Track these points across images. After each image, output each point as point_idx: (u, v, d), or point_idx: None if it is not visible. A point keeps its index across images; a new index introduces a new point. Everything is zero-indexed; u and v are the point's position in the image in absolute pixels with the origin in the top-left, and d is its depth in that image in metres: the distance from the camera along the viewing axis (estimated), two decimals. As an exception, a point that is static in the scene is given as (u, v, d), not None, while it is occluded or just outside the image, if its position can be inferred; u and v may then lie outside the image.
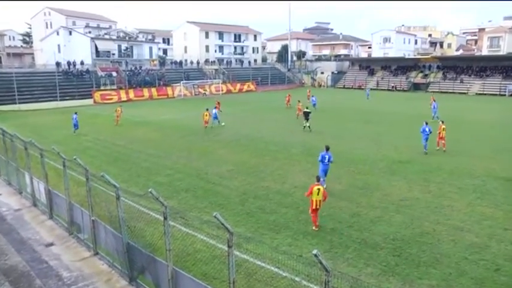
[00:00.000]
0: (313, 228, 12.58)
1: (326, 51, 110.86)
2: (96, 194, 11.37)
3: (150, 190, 8.18)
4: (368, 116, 38.41)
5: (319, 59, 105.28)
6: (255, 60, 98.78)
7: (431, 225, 12.74)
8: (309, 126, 30.23)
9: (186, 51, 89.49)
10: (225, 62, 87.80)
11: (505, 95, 62.53)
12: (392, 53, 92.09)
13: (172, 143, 26.14)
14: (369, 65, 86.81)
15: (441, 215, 13.63)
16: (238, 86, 73.63)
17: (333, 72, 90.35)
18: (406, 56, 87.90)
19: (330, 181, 17.20)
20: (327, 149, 16.40)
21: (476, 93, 65.30)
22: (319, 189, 12.46)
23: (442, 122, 23.81)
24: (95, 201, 11.17)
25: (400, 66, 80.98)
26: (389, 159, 21.09)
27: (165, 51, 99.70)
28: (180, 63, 77.52)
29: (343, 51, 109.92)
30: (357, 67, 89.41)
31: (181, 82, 63.52)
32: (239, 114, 39.25)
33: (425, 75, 76.35)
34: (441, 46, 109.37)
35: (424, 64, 78.76)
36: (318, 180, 12.96)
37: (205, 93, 64.52)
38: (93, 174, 11.28)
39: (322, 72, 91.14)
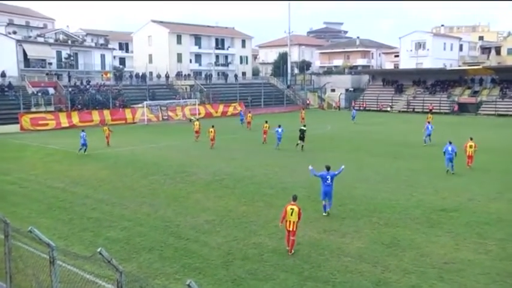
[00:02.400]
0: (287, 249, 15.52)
1: (338, 61, 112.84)
2: (20, 257, 11.11)
3: (99, 250, 8.06)
4: (397, 148, 38.72)
5: (329, 71, 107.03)
6: (244, 74, 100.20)
7: (493, 300, 12.58)
8: (302, 146, 36.87)
9: (151, 61, 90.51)
10: (203, 75, 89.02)
11: None
12: (428, 63, 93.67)
13: (132, 185, 25.96)
14: (396, 80, 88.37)
15: (508, 285, 13.42)
16: (221, 107, 74.42)
17: (347, 90, 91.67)
18: (448, 67, 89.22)
19: (346, 236, 17.11)
20: (328, 168, 19.48)
21: (554, 116, 65.70)
22: (292, 209, 15.19)
23: (471, 138, 29.51)
24: (17, 268, 10.89)
25: (440, 80, 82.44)
26: (428, 206, 21.09)
27: (122, 61, 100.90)
28: (143, 77, 78.28)
29: (360, 61, 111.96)
30: (379, 82, 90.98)
31: (145, 103, 64.07)
32: (222, 146, 39.29)
33: (475, 93, 77.30)
34: (498, 52, 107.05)
35: (472, 77, 79.83)
36: (295, 199, 15.58)
37: (191, 119, 63.27)
38: (15, 229, 11.05)
39: (333, 90, 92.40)
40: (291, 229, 15.26)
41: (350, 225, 18.32)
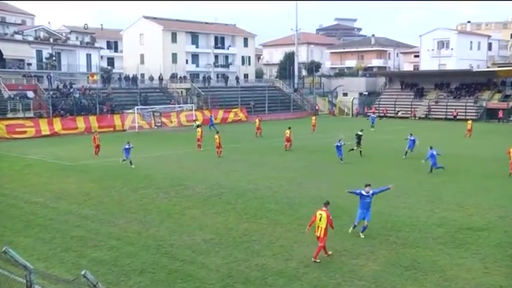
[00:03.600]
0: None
1: (351, 62, 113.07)
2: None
3: (83, 272, 8.04)
4: (416, 159, 38.63)
5: (340, 73, 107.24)
6: (246, 76, 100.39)
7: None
8: (360, 152, 39.37)
9: (142, 62, 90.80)
10: (201, 78, 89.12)
11: None
12: (451, 64, 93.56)
13: (120, 200, 25.97)
14: (415, 83, 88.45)
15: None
16: (221, 114, 74.61)
17: (361, 94, 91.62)
18: (475, 69, 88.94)
19: (359, 257, 17.06)
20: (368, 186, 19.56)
21: None
22: (321, 214, 16.32)
23: None
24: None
25: (465, 83, 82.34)
26: (452, 224, 21.02)
27: (110, 61, 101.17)
28: (134, 79, 78.42)
29: (376, 62, 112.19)
30: (397, 85, 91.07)
31: (136, 108, 64.07)
32: (222, 156, 39.34)
33: (506, 97, 77.16)
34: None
35: (503, 80, 79.74)
36: (326, 205, 16.77)
37: (196, 123, 63.23)
38: (-14, 249, 11.02)
39: (345, 94, 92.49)
40: (319, 235, 16.39)
41: (364, 245, 18.26)
